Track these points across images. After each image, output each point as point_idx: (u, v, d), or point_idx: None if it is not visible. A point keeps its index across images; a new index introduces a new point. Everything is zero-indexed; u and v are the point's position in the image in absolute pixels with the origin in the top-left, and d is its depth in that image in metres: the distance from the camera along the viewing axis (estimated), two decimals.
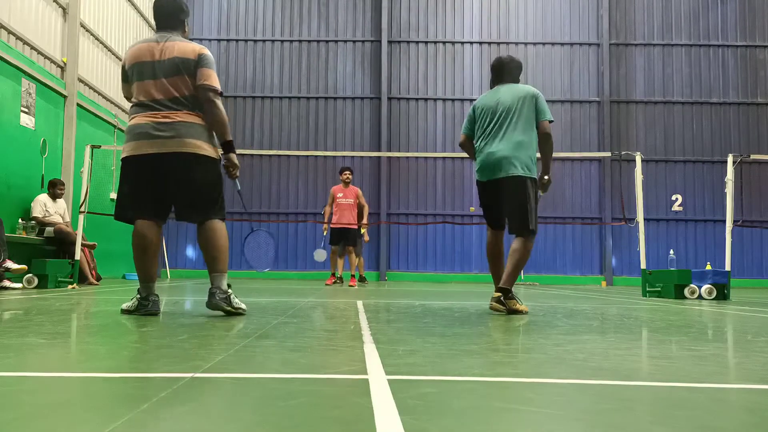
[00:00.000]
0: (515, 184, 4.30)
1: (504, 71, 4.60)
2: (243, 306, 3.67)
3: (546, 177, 4.49)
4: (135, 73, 3.66)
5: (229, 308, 3.55)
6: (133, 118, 3.63)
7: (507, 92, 4.46)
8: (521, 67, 4.68)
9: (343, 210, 9.88)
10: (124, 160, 3.64)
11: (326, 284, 10.05)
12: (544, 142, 4.42)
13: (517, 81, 4.64)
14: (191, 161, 3.56)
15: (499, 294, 4.23)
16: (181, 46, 3.66)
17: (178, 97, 3.60)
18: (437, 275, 15.31)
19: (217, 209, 3.69)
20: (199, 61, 3.64)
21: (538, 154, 4.48)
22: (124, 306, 3.69)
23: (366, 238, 10.97)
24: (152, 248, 3.64)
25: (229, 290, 3.61)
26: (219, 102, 3.67)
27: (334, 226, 9.87)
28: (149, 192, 3.62)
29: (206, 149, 3.62)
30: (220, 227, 3.66)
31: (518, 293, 4.85)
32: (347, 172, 10.02)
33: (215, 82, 3.67)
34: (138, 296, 3.65)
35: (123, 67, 3.75)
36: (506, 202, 4.38)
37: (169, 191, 3.63)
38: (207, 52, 3.73)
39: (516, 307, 4.17)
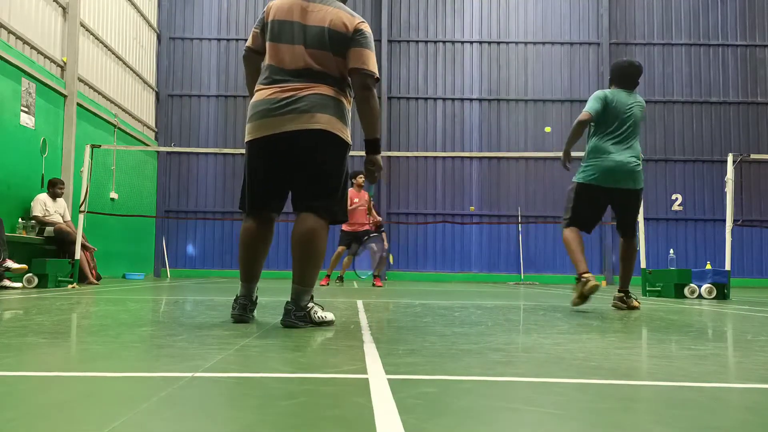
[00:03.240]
0: (639, 196, 4.78)
1: (637, 78, 4.77)
2: (328, 317, 3.08)
3: None
4: (274, 30, 3.07)
5: (310, 327, 2.97)
6: (257, 90, 3.11)
7: (638, 102, 4.71)
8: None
9: (356, 213, 9.82)
10: (246, 143, 3.13)
11: (337, 280, 10.17)
12: None
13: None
14: (319, 139, 2.96)
15: (622, 294, 4.78)
16: (335, 14, 3.01)
17: (318, 70, 3.00)
18: (437, 275, 15.30)
19: (334, 202, 3.03)
20: (355, 39, 3.00)
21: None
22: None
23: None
24: (258, 245, 3.15)
25: (309, 304, 3.02)
26: (375, 91, 3.06)
27: (347, 228, 9.78)
28: (266, 181, 3.09)
29: (339, 128, 3.01)
30: (321, 227, 2.99)
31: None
32: (362, 177, 9.86)
33: (374, 67, 3.03)
34: (236, 296, 3.23)
35: (263, 17, 3.14)
36: (630, 211, 4.80)
37: (289, 176, 3.07)
38: (366, 27, 3.08)
39: (635, 304, 4.73)
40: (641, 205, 4.87)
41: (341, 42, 3.00)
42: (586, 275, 4.48)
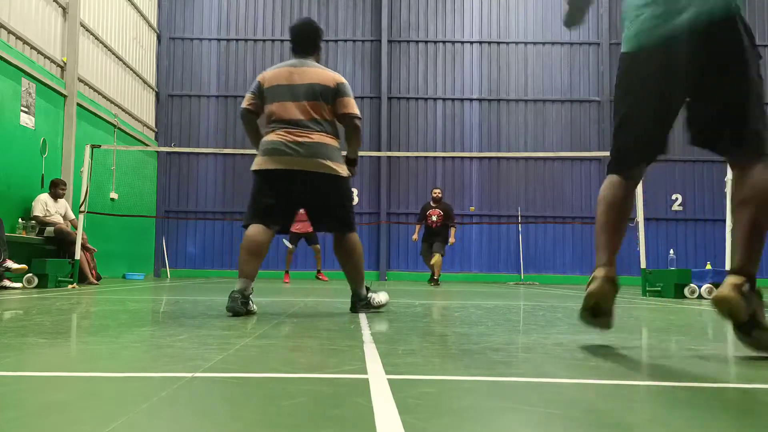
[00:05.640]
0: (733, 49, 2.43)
1: None
2: (383, 300, 4.07)
3: None
4: (272, 94, 3.88)
5: (372, 311, 4.00)
6: (269, 132, 3.87)
7: None
8: None
9: (304, 218, 10.69)
10: (254, 172, 3.90)
11: (285, 282, 10.73)
12: None
13: None
14: (327, 180, 3.82)
15: (742, 280, 2.16)
16: (319, 73, 3.87)
17: (317, 118, 3.82)
18: None
19: (351, 220, 3.97)
20: (339, 91, 3.87)
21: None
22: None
23: (452, 239, 11.35)
24: (259, 252, 3.84)
25: (370, 294, 4.04)
26: (360, 127, 3.99)
27: (297, 231, 10.55)
28: (272, 203, 3.85)
29: (339, 170, 3.87)
30: (354, 241, 3.97)
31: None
32: None
33: (357, 110, 3.95)
34: (233, 290, 3.75)
35: (259, 85, 3.94)
36: (729, 89, 2.34)
37: (299, 205, 3.94)
38: (345, 80, 3.95)
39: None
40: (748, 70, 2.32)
41: (329, 94, 3.85)
42: (596, 271, 2.42)
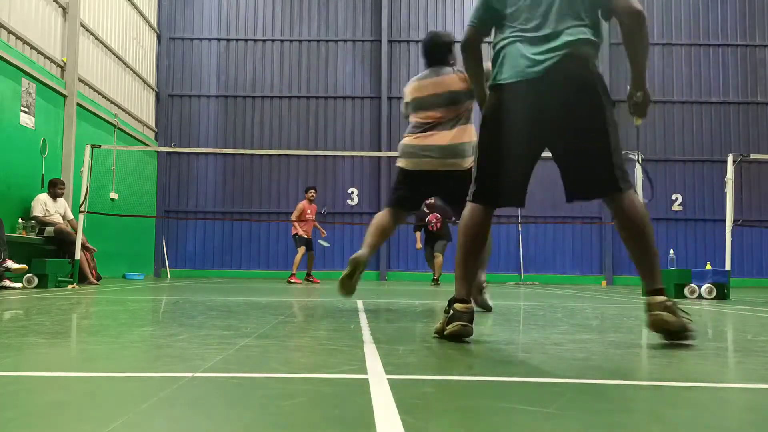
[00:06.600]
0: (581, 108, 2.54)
1: None
2: (490, 304, 4.37)
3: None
4: (414, 105, 4.44)
5: (478, 309, 4.16)
6: (407, 136, 4.44)
7: None
8: None
9: (310, 225, 11.56)
10: (400, 169, 4.45)
11: (297, 283, 11.02)
12: None
13: None
14: (459, 175, 4.24)
15: (664, 298, 2.47)
16: (451, 81, 4.32)
17: (446, 120, 4.29)
18: None
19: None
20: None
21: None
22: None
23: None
24: (384, 230, 4.40)
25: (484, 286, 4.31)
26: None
27: (303, 234, 11.35)
28: (404, 195, 4.44)
29: (460, 162, 4.29)
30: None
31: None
32: (314, 191, 11.57)
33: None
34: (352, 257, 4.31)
35: (406, 95, 4.56)
36: (582, 149, 2.59)
37: (433, 194, 4.62)
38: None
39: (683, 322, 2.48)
40: (609, 134, 2.51)
41: (462, 95, 4.28)
42: (458, 306, 2.53)
